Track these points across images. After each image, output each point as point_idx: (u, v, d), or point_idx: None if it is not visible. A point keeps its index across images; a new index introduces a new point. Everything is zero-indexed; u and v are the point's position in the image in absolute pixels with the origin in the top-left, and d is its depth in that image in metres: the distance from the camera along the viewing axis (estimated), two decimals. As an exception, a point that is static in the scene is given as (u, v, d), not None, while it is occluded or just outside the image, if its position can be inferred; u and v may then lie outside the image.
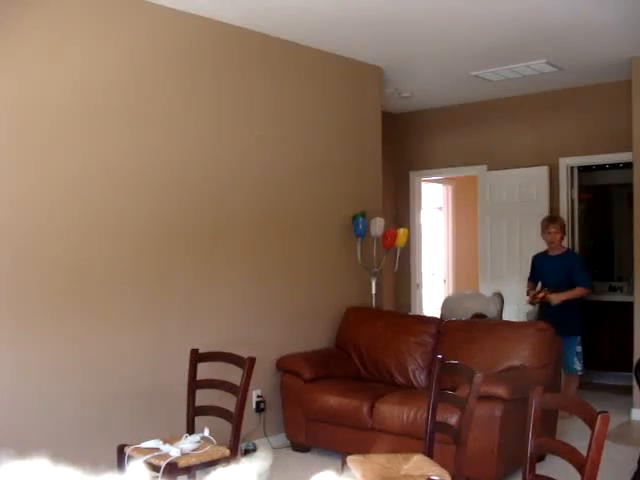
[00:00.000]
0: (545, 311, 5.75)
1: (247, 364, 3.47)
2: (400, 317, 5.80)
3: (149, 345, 4.30)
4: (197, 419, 3.70)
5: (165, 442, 3.37)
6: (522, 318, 6.57)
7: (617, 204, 8.06)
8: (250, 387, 3.57)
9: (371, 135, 5.98)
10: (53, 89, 3.86)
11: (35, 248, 3.79)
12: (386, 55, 5.65)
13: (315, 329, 5.33)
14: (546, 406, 2.57)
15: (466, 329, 4.98)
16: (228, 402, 3.54)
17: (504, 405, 4.03)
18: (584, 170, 7.14)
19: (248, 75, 4.91)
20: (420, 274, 8.05)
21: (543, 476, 2.53)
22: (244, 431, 3.74)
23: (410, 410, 4.28)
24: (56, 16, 3.87)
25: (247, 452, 4.67)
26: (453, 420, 3.67)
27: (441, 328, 5.05)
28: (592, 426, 2.16)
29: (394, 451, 3.59)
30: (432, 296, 9.41)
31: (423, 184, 8.23)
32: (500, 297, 6.64)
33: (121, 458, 3.34)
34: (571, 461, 2.31)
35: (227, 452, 3.40)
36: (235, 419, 3.45)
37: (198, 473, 3.36)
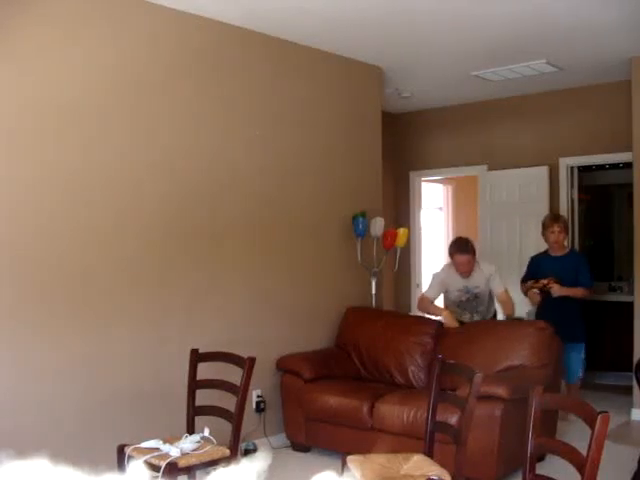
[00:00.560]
0: (545, 316, 5.37)
1: (247, 364, 3.47)
2: (400, 317, 5.81)
3: (149, 345, 4.30)
4: (197, 419, 3.70)
5: (165, 442, 3.37)
6: (522, 318, 6.56)
7: (617, 204, 8.06)
8: (250, 387, 3.57)
9: (371, 135, 5.98)
10: (54, 89, 3.86)
11: (35, 248, 3.79)
12: (386, 55, 5.65)
13: (315, 329, 5.33)
14: (546, 406, 2.58)
15: (465, 329, 4.98)
16: (228, 402, 3.54)
17: (504, 405, 4.03)
18: (584, 170, 7.13)
19: (248, 75, 4.91)
20: (420, 274, 8.05)
21: (543, 476, 2.53)
22: (244, 431, 3.74)
23: (410, 410, 4.28)
24: (57, 16, 3.87)
25: (247, 452, 4.67)
26: (453, 420, 3.66)
27: (440, 328, 5.05)
28: (592, 426, 2.16)
29: (394, 451, 3.58)
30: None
31: (423, 184, 8.23)
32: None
33: (121, 458, 3.34)
34: (571, 461, 2.31)
35: (227, 452, 3.40)
36: (235, 419, 3.45)
37: (198, 473, 3.36)
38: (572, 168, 6.93)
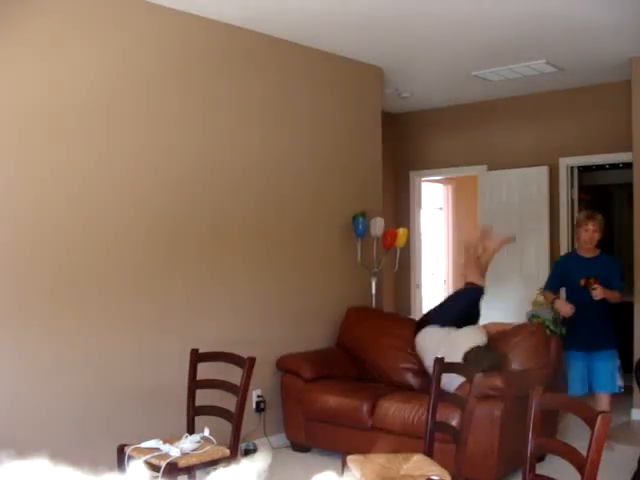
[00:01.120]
0: (576, 322, 5.00)
1: (247, 364, 3.47)
2: (400, 318, 5.81)
3: (149, 345, 4.30)
4: (197, 419, 3.70)
5: (165, 442, 3.37)
6: (522, 319, 6.56)
7: (617, 204, 8.06)
8: (250, 387, 3.56)
9: (371, 135, 5.98)
10: (53, 90, 3.86)
11: (36, 249, 3.79)
12: (386, 55, 5.65)
13: (315, 329, 5.33)
14: (546, 406, 2.57)
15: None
16: (228, 402, 3.54)
17: (504, 405, 4.03)
18: (584, 170, 7.13)
19: (248, 75, 4.91)
20: (420, 274, 8.05)
21: (543, 476, 2.53)
22: (244, 431, 3.74)
23: (410, 410, 4.28)
24: (57, 16, 3.87)
25: (247, 452, 4.67)
26: (453, 420, 3.67)
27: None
28: (592, 426, 2.16)
29: (394, 451, 3.59)
30: (432, 296, 9.40)
31: (423, 184, 8.23)
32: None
33: (121, 458, 3.34)
34: (571, 461, 2.31)
35: (227, 452, 3.40)
36: (235, 419, 3.45)
37: (198, 473, 3.36)
38: (572, 168, 6.93)
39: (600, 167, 7.20)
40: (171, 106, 4.44)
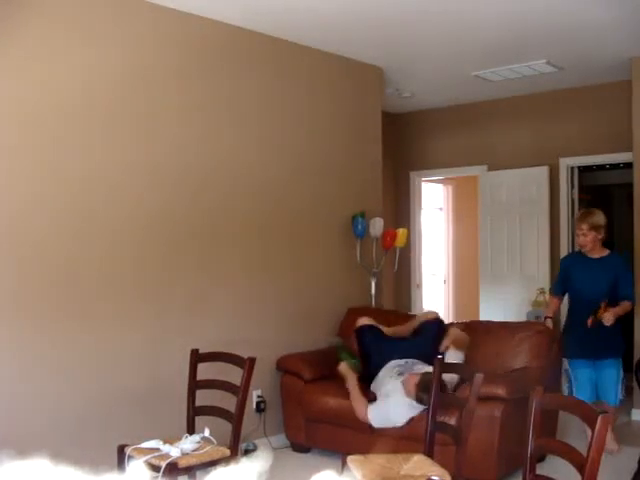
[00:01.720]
0: (580, 329, 4.57)
1: (247, 364, 3.47)
2: (400, 318, 5.80)
3: (149, 345, 4.30)
4: (197, 419, 3.70)
5: (165, 442, 3.37)
6: (522, 319, 6.56)
7: (617, 204, 8.06)
8: (250, 387, 3.56)
9: (371, 135, 5.98)
10: (55, 90, 3.86)
11: (35, 248, 3.79)
12: (386, 55, 5.65)
13: (315, 329, 5.33)
14: (546, 406, 2.57)
15: (465, 331, 4.96)
16: (228, 402, 3.53)
17: (504, 405, 4.03)
18: (584, 170, 7.14)
19: (249, 76, 4.91)
20: (420, 274, 8.05)
21: (543, 476, 2.53)
22: (244, 431, 3.73)
23: (410, 410, 4.27)
24: (58, 17, 3.88)
25: (247, 452, 4.67)
26: (453, 420, 3.67)
27: (441, 330, 5.04)
28: (592, 426, 2.16)
29: (394, 451, 3.59)
30: (432, 296, 9.41)
31: (423, 184, 8.23)
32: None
33: (121, 458, 3.34)
34: (571, 461, 2.31)
35: (227, 452, 3.39)
36: (235, 419, 3.45)
37: (198, 473, 3.36)
38: (572, 168, 6.93)
39: (600, 167, 7.20)
40: (171, 106, 4.44)
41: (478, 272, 7.54)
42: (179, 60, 4.48)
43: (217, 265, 4.69)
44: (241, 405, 3.45)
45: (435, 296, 9.52)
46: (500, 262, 7.24)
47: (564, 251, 6.67)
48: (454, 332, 4.59)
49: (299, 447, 4.91)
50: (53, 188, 3.86)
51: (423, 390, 3.85)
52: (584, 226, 4.60)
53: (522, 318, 6.57)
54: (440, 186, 9.40)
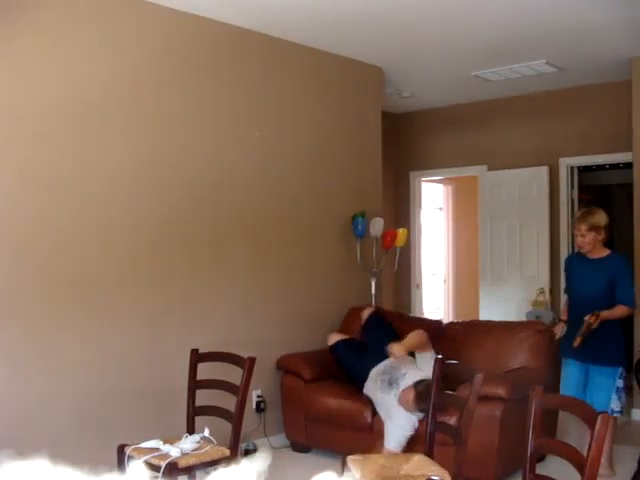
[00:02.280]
0: (574, 331, 4.28)
1: (247, 364, 3.47)
2: (400, 318, 5.80)
3: (149, 345, 4.30)
4: (197, 419, 3.70)
5: (165, 442, 3.37)
6: (522, 319, 6.56)
7: (617, 204, 8.06)
8: (250, 387, 3.57)
9: (371, 135, 5.98)
10: (47, 88, 3.85)
11: (32, 247, 3.79)
12: (386, 55, 5.65)
13: (315, 329, 5.33)
14: (546, 406, 2.57)
15: (465, 331, 4.98)
16: (228, 402, 3.54)
17: (504, 405, 4.03)
18: (584, 170, 7.14)
19: (247, 75, 4.91)
20: (420, 274, 8.05)
21: (543, 476, 2.53)
22: (244, 431, 3.74)
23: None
24: (51, 15, 3.87)
25: (247, 452, 4.67)
26: (453, 420, 3.67)
27: (440, 330, 5.05)
28: (592, 426, 2.16)
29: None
30: (432, 296, 9.41)
31: (423, 184, 8.23)
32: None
33: (121, 458, 3.34)
34: (571, 461, 2.31)
35: (227, 452, 3.40)
36: (235, 419, 3.45)
37: (198, 473, 3.36)
38: (572, 168, 6.93)
39: (600, 167, 7.20)
40: (172, 106, 4.44)
41: (478, 272, 7.54)
42: (179, 60, 4.48)
43: (217, 265, 4.69)
44: (241, 405, 3.45)
45: (435, 296, 9.53)
46: (500, 262, 7.25)
47: (564, 251, 6.67)
48: (407, 341, 4.42)
49: (299, 447, 4.91)
50: (53, 189, 3.86)
51: (422, 401, 3.82)
52: (583, 227, 4.38)
53: (522, 318, 6.57)
54: (440, 186, 9.40)
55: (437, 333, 5.01)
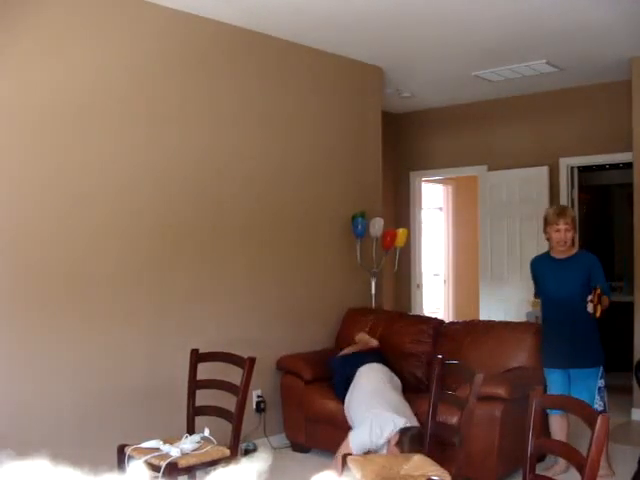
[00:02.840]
0: (553, 336, 4.30)
1: (247, 364, 3.47)
2: (399, 317, 5.79)
3: (149, 345, 4.30)
4: (197, 419, 3.70)
5: (165, 442, 3.37)
6: (522, 319, 6.56)
7: (617, 204, 8.06)
8: (250, 387, 3.56)
9: (371, 135, 5.98)
10: (49, 89, 3.85)
11: (33, 247, 3.79)
12: (386, 55, 5.65)
13: (315, 329, 5.33)
14: (546, 406, 2.57)
15: (465, 331, 4.97)
16: (228, 402, 3.54)
17: (504, 405, 4.03)
18: (584, 170, 7.14)
19: (246, 75, 4.91)
20: (420, 274, 8.05)
21: (543, 476, 2.53)
22: (244, 431, 3.74)
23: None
24: (52, 15, 3.87)
25: (247, 452, 4.67)
26: (453, 420, 3.67)
27: (440, 329, 5.05)
28: (592, 426, 2.16)
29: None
30: (432, 296, 9.42)
31: (423, 184, 8.23)
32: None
33: (121, 458, 3.34)
34: (571, 461, 2.31)
35: (227, 452, 3.40)
36: (235, 419, 3.45)
37: (198, 473, 3.36)
38: (572, 168, 6.93)
39: (600, 167, 7.20)
40: (171, 106, 4.44)
41: (478, 272, 7.54)
42: (179, 60, 4.48)
43: (217, 265, 4.69)
44: (241, 405, 3.45)
45: (435, 296, 9.53)
46: (500, 262, 7.25)
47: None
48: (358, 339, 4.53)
49: (299, 447, 4.91)
50: (54, 189, 3.86)
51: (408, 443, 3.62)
52: (566, 221, 4.26)
53: (522, 318, 6.57)
54: (440, 186, 9.40)
55: (436, 332, 5.01)
